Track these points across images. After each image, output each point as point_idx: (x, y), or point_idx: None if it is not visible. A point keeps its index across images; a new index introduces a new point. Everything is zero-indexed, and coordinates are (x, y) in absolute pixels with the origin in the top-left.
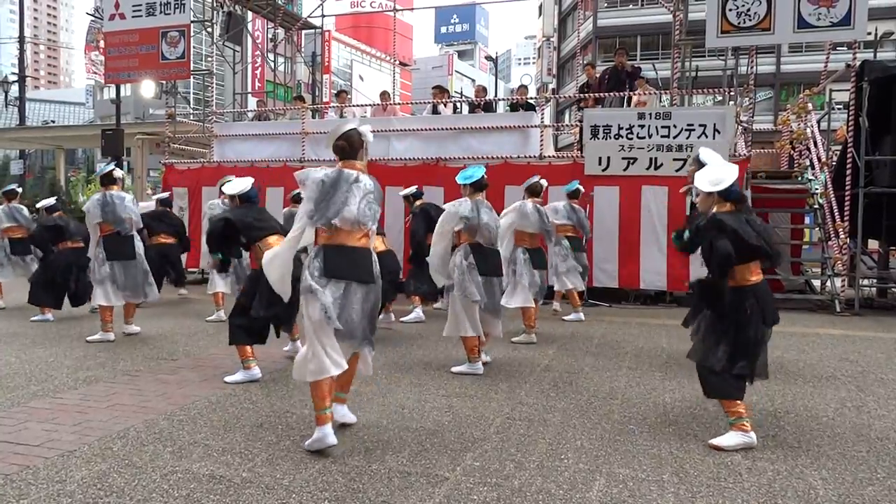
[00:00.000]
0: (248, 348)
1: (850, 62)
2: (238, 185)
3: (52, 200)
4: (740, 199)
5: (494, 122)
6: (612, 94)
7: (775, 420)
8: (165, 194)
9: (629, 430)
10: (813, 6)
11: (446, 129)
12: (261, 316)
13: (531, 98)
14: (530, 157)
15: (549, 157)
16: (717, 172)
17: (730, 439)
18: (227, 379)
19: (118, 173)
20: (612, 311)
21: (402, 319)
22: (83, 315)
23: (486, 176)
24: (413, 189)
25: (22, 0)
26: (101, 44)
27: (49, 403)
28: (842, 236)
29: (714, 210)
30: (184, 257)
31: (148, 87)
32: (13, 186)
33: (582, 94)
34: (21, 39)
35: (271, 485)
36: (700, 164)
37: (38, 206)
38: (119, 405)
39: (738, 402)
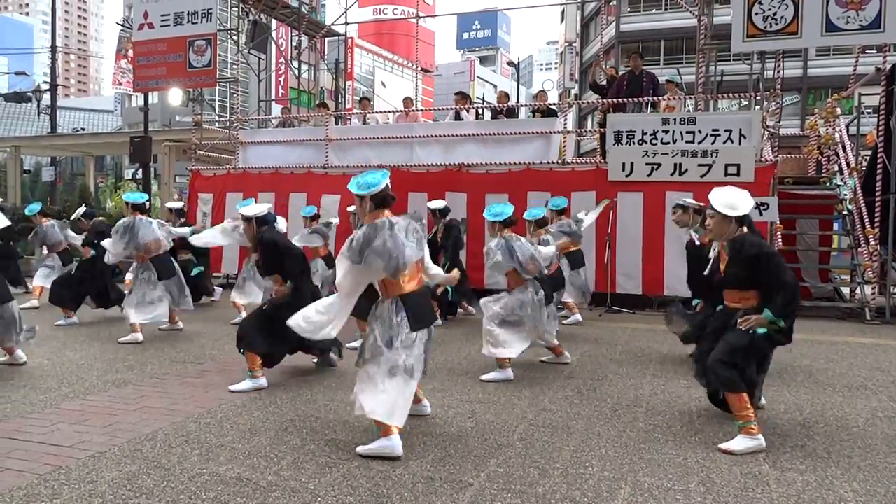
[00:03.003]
0: (260, 361)
1: (880, 66)
2: (256, 208)
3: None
4: (753, 226)
5: (517, 128)
6: (632, 99)
7: (805, 430)
8: (179, 203)
9: (654, 439)
10: (841, 9)
11: (469, 135)
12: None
13: (552, 104)
14: (553, 162)
15: (572, 162)
16: (732, 197)
17: (740, 443)
18: (233, 388)
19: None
20: (636, 318)
21: None
22: (112, 318)
23: (514, 213)
24: (443, 204)
25: (54, 11)
26: (130, 53)
27: (80, 405)
28: (872, 243)
29: (738, 234)
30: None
31: (175, 95)
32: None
33: (606, 100)
34: (53, 49)
35: (297, 488)
36: (683, 209)
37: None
38: (147, 407)
39: (748, 404)
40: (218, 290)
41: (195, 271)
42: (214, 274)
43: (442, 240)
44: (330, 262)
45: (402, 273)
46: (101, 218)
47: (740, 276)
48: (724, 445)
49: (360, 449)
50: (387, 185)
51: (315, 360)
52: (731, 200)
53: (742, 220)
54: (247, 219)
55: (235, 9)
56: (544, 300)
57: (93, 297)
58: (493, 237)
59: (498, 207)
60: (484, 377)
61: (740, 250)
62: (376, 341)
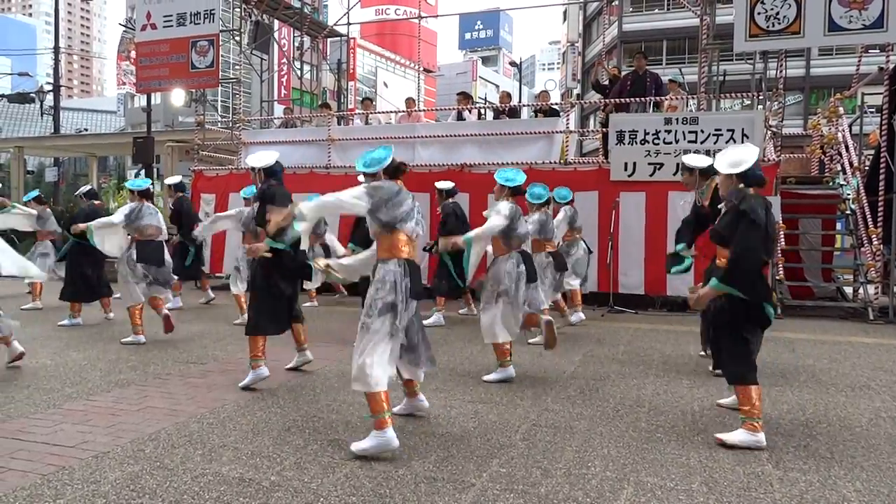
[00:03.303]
0: (261, 344)
1: (882, 65)
2: (264, 157)
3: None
4: (762, 182)
5: (519, 128)
6: (635, 99)
7: (807, 430)
8: (178, 178)
9: (657, 439)
10: (844, 8)
11: (471, 135)
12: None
13: (554, 104)
14: (555, 162)
15: (575, 162)
16: (736, 153)
17: (737, 436)
18: (241, 384)
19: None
20: (639, 318)
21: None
22: (114, 319)
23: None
24: (451, 185)
25: (57, 12)
26: (133, 54)
27: (83, 405)
28: (875, 242)
29: (742, 191)
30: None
31: (178, 96)
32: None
33: (609, 99)
34: (56, 50)
35: (299, 489)
36: (689, 171)
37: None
38: (150, 408)
39: (755, 399)
40: (210, 293)
41: (188, 261)
42: (216, 274)
43: (440, 223)
44: (327, 251)
45: (403, 231)
46: (99, 202)
47: (722, 233)
48: (721, 435)
49: (355, 446)
50: (394, 158)
51: (287, 367)
52: (734, 158)
53: (744, 178)
54: (254, 169)
55: (238, 9)
56: (524, 275)
57: (88, 287)
58: (500, 200)
59: (510, 173)
60: (486, 377)
61: (738, 203)
62: (372, 312)
